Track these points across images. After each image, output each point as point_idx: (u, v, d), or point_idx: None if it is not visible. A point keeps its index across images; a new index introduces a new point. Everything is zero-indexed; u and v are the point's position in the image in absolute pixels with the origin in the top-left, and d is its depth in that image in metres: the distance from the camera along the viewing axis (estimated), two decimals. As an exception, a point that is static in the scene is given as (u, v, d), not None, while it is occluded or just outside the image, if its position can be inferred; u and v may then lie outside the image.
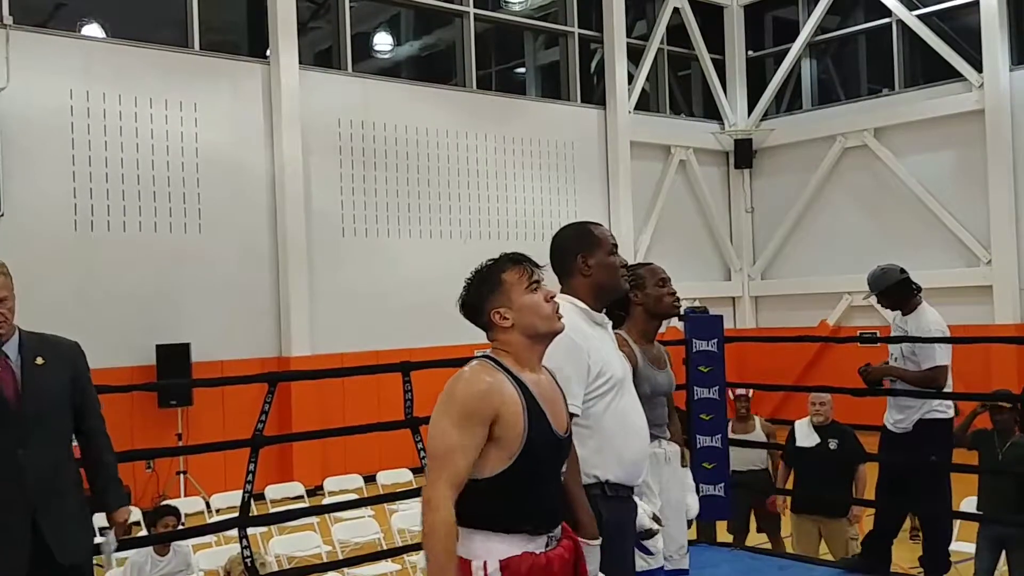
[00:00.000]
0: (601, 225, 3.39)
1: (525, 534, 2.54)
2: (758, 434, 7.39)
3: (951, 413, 5.66)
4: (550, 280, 2.86)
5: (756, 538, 7.35)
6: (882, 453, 5.94)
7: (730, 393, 6.70)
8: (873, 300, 5.83)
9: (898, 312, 5.82)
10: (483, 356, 2.66)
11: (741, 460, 7.21)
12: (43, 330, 3.58)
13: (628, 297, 3.84)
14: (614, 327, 3.77)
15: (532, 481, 2.55)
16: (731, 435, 7.34)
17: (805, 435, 6.81)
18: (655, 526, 3.41)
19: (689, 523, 3.90)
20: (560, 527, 2.68)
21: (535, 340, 2.66)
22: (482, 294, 2.66)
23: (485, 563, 2.50)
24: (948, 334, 5.55)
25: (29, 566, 3.28)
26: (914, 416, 5.60)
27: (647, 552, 3.54)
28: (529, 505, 2.55)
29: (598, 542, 2.93)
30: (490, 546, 2.52)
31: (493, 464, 2.52)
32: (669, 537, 3.77)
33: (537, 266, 2.73)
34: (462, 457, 2.47)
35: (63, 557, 3.35)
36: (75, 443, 3.58)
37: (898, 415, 5.71)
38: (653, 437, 3.74)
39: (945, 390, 5.63)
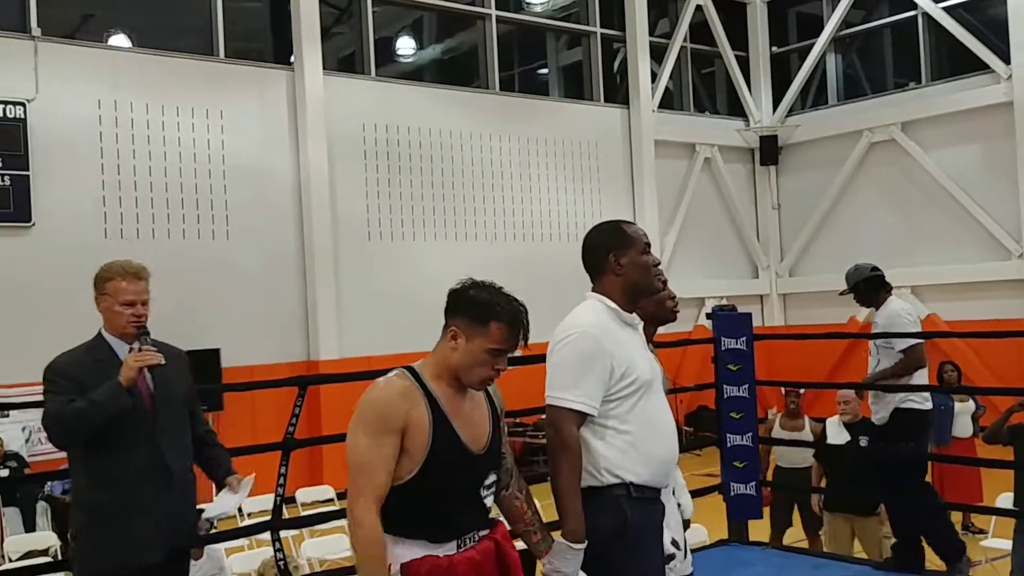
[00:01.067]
0: (634, 224, 3.34)
1: (425, 541, 2.60)
2: (806, 433, 7.35)
3: (928, 405, 5.63)
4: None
5: (790, 536, 7.30)
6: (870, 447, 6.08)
7: (781, 388, 6.66)
8: (849, 297, 6.02)
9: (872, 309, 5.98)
10: (403, 368, 2.71)
11: (787, 458, 7.17)
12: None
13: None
14: None
15: (435, 493, 2.60)
16: (780, 430, 7.35)
17: (836, 433, 6.79)
18: (674, 550, 3.38)
19: (687, 523, 3.82)
20: (480, 531, 2.70)
21: (454, 376, 2.69)
22: (467, 310, 2.67)
23: (390, 566, 2.58)
24: (914, 317, 5.71)
25: (158, 548, 3.51)
26: (891, 406, 5.66)
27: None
28: (430, 515, 2.61)
29: (581, 546, 2.94)
30: (395, 549, 2.60)
31: (401, 472, 2.59)
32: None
33: (525, 343, 2.70)
34: (379, 468, 2.55)
35: (192, 541, 3.68)
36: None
37: (877, 407, 5.75)
38: None
39: (923, 381, 5.67)
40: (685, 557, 3.73)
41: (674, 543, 3.40)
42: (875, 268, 5.94)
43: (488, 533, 2.73)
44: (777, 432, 7.41)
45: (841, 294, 6.13)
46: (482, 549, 2.69)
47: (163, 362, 3.51)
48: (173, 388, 3.61)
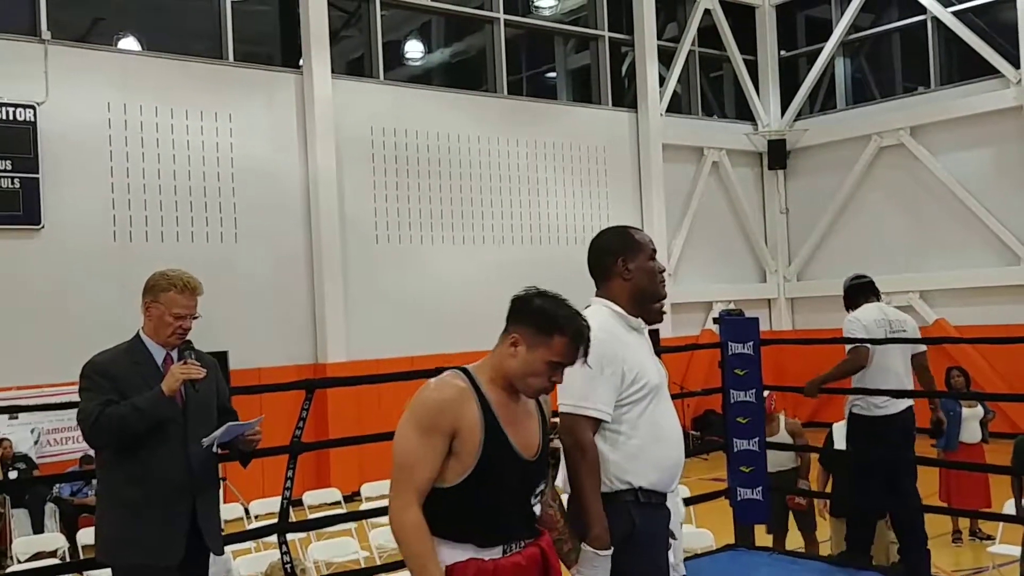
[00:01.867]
0: (641, 230, 3.37)
1: (473, 544, 2.59)
2: (783, 435, 7.32)
3: (878, 412, 5.68)
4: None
5: (791, 542, 7.28)
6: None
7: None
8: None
9: None
10: (457, 369, 2.69)
11: (772, 461, 7.14)
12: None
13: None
14: None
15: (484, 498, 2.59)
16: None
17: (842, 437, 6.73)
18: (671, 542, 3.38)
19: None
20: (527, 538, 2.69)
21: (508, 383, 2.68)
22: (531, 320, 2.65)
23: None
24: (868, 324, 5.82)
25: (184, 550, 3.60)
26: (847, 409, 5.89)
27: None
28: (478, 520, 2.60)
29: (608, 552, 2.94)
30: (441, 551, 2.58)
31: (450, 476, 2.58)
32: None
33: (585, 359, 2.70)
34: (423, 466, 2.55)
35: (213, 546, 3.73)
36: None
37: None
38: None
39: (889, 386, 5.75)
40: (678, 561, 3.73)
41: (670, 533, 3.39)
42: (860, 276, 6.28)
43: (534, 541, 2.72)
44: None
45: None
46: (528, 555, 2.67)
47: (204, 377, 3.60)
48: (204, 395, 3.68)
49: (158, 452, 3.55)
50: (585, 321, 2.71)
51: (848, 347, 5.81)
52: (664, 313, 3.81)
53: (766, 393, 7.25)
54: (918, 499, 5.85)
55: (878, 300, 6.13)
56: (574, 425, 3.02)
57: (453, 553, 2.59)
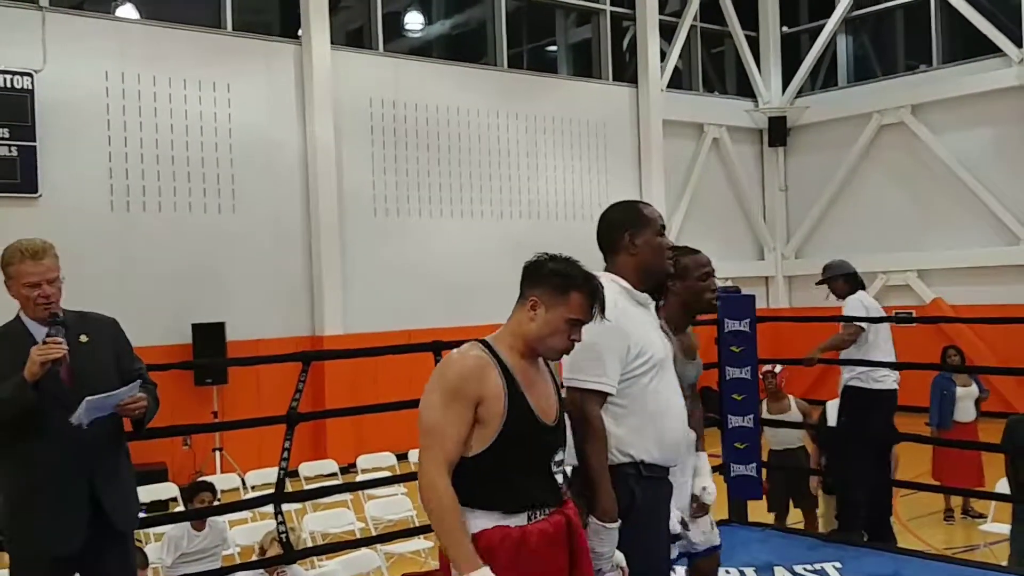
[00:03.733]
0: (650, 205, 3.36)
1: (499, 512, 2.63)
2: (794, 413, 7.35)
3: (875, 386, 6.15)
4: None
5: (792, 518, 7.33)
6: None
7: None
8: (824, 285, 6.79)
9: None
10: (476, 341, 2.73)
11: (777, 440, 7.19)
12: (81, 308, 3.65)
13: (665, 283, 3.75)
14: None
15: (510, 464, 2.63)
16: (765, 415, 7.36)
17: (836, 416, 6.78)
18: (682, 530, 3.41)
19: (706, 508, 3.84)
20: (551, 506, 2.72)
21: (530, 348, 2.73)
22: (548, 280, 2.72)
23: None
24: (868, 305, 6.42)
25: (88, 530, 3.40)
26: (843, 383, 6.32)
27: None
28: (504, 487, 2.63)
29: (615, 525, 2.97)
30: (470, 520, 2.62)
31: (475, 444, 2.62)
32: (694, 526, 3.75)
33: (602, 313, 2.75)
34: (450, 434, 2.59)
35: (120, 524, 3.49)
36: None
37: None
38: None
39: (882, 358, 6.23)
40: (712, 529, 3.78)
41: (683, 523, 3.42)
42: (847, 264, 6.74)
43: (559, 508, 2.75)
44: (764, 416, 7.41)
45: (818, 284, 6.77)
46: (554, 522, 2.71)
47: (65, 354, 3.31)
48: (97, 360, 3.47)
49: (43, 435, 3.33)
50: (597, 279, 2.77)
51: (848, 326, 6.15)
52: (716, 304, 3.83)
53: (778, 369, 7.34)
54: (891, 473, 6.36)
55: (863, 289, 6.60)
56: (581, 399, 3.04)
57: (479, 521, 2.63)
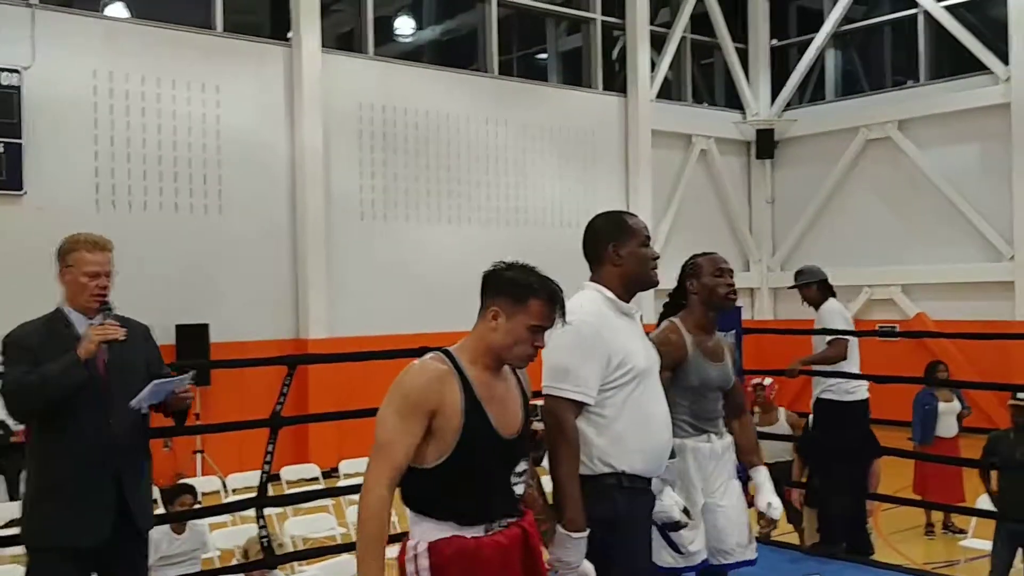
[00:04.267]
0: (636, 216, 3.36)
1: (453, 523, 2.63)
2: (782, 426, 7.36)
3: (848, 398, 6.10)
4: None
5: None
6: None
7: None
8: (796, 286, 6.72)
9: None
10: (439, 351, 2.72)
11: (767, 453, 7.18)
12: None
13: (685, 286, 3.85)
14: (672, 316, 3.76)
15: (465, 478, 2.62)
16: (756, 427, 7.37)
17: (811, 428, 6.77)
18: (683, 518, 3.38)
19: (773, 525, 3.84)
20: (509, 518, 2.71)
21: (494, 358, 2.71)
22: (506, 290, 2.70)
23: (417, 544, 2.63)
24: (844, 314, 6.35)
25: (111, 526, 3.45)
26: (815, 395, 6.26)
27: (677, 550, 3.53)
28: (460, 500, 2.63)
29: (581, 535, 2.96)
30: (423, 528, 2.65)
31: (431, 456, 2.61)
32: (722, 532, 3.72)
33: (563, 319, 2.74)
34: (400, 447, 2.58)
35: (141, 522, 3.57)
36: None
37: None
38: (700, 431, 3.71)
39: (852, 370, 6.18)
40: (750, 543, 3.76)
41: (685, 511, 3.40)
42: (819, 270, 6.62)
43: (516, 521, 2.74)
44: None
45: (791, 288, 6.73)
46: (509, 535, 2.70)
47: (124, 337, 3.46)
48: (130, 360, 3.56)
49: (77, 425, 3.40)
50: (557, 285, 2.75)
51: (828, 337, 6.03)
52: (733, 298, 3.88)
53: (767, 381, 7.35)
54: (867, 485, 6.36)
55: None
56: (556, 407, 3.03)
57: (435, 530, 2.63)
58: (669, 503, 3.35)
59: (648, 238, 3.29)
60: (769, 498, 3.79)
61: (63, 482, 3.40)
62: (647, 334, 3.50)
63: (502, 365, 2.74)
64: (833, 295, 6.46)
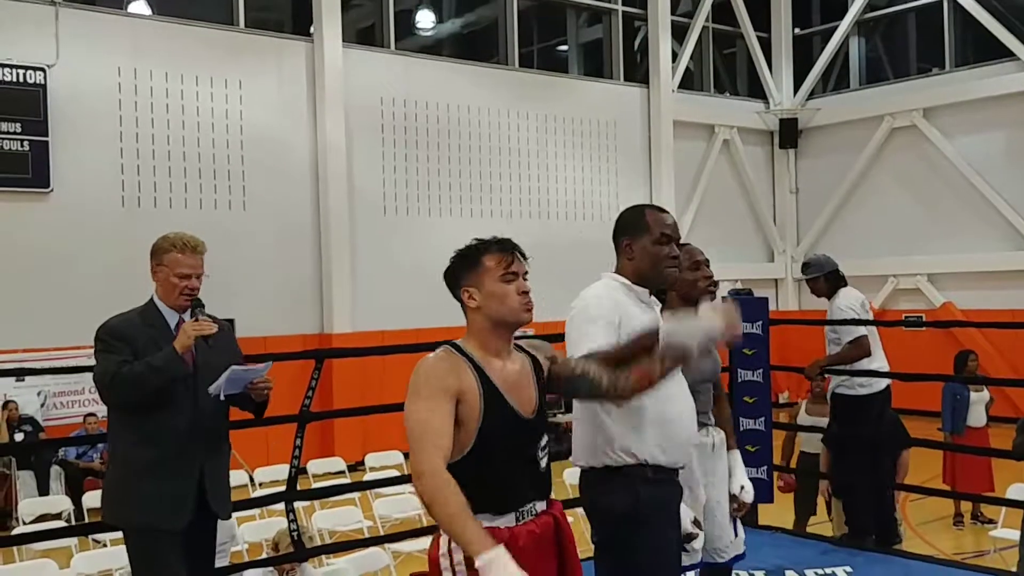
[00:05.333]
0: (661, 211, 3.26)
1: (487, 514, 2.59)
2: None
3: (862, 391, 5.91)
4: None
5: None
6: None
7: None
8: (803, 279, 6.53)
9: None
10: (447, 344, 2.71)
11: (813, 443, 7.14)
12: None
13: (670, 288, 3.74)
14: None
15: (491, 466, 2.60)
16: (805, 416, 7.34)
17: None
18: (695, 530, 3.36)
19: (745, 506, 3.83)
20: (539, 504, 2.69)
21: (498, 326, 2.69)
22: (459, 271, 2.74)
23: (450, 539, 2.57)
24: (858, 310, 6.02)
25: (192, 515, 3.62)
26: (831, 389, 6.11)
27: (683, 550, 3.53)
28: (490, 486, 2.60)
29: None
30: None
31: (456, 450, 2.58)
32: (720, 528, 3.71)
33: (523, 257, 2.74)
34: (440, 430, 2.53)
35: (218, 508, 3.72)
36: None
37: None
38: (700, 425, 3.68)
39: (874, 366, 5.95)
40: (736, 536, 3.75)
41: (696, 523, 3.39)
42: (830, 259, 6.38)
43: (547, 509, 2.73)
44: (803, 418, 7.39)
45: (801, 280, 6.59)
46: (542, 523, 2.69)
47: (215, 332, 3.64)
48: (217, 357, 3.69)
49: (167, 413, 3.57)
50: (493, 238, 2.76)
51: (848, 337, 5.86)
52: (712, 291, 3.83)
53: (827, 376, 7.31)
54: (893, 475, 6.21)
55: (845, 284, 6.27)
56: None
57: None
58: (683, 516, 3.34)
59: (667, 236, 3.17)
60: (742, 481, 3.80)
61: (151, 468, 3.55)
62: None
63: (509, 342, 2.74)
64: (844, 285, 6.21)
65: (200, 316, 3.66)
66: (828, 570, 5.17)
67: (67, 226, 10.41)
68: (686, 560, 3.50)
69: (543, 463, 2.74)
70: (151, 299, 3.73)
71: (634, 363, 2.81)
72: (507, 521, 2.62)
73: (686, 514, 3.34)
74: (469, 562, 2.52)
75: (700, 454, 3.65)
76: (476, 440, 2.59)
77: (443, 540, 2.62)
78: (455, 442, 2.58)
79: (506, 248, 2.72)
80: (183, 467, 3.59)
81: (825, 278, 6.22)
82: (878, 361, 5.96)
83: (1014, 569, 5.85)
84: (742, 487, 3.79)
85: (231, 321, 11.91)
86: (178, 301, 3.68)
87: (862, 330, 5.87)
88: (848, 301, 6.06)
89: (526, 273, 2.75)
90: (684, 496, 3.34)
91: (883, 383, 5.93)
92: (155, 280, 3.72)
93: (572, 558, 2.77)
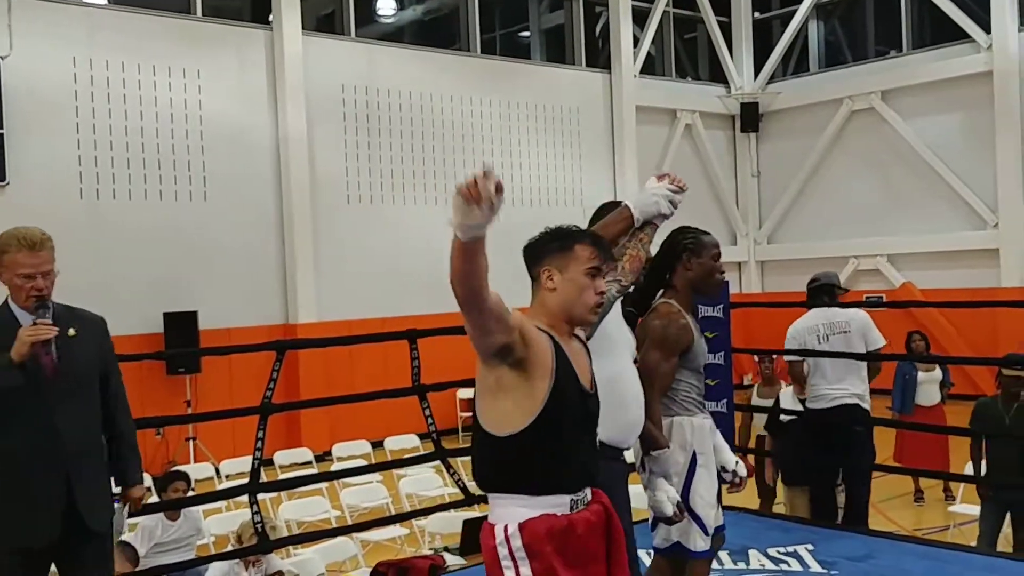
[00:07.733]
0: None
1: (546, 495, 2.55)
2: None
3: (811, 405, 5.99)
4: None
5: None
6: None
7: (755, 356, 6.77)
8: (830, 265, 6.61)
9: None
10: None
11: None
12: (52, 298, 3.60)
13: (675, 264, 3.69)
14: (663, 295, 3.74)
15: (556, 436, 2.55)
16: (756, 400, 7.41)
17: (790, 404, 6.65)
18: (676, 513, 3.40)
19: (744, 482, 3.90)
20: (589, 492, 2.68)
21: (565, 318, 2.68)
22: (549, 248, 2.72)
23: (506, 526, 2.53)
24: (802, 336, 6.04)
25: (62, 525, 3.37)
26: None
27: (705, 532, 3.62)
28: (554, 460, 2.55)
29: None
30: (509, 509, 2.55)
31: (519, 417, 2.52)
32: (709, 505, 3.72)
33: (612, 259, 2.79)
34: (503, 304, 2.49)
35: (93, 523, 3.44)
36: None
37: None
38: (703, 408, 3.74)
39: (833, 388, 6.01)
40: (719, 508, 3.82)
41: (678, 506, 3.43)
42: (815, 279, 6.36)
43: (596, 498, 2.71)
44: (755, 400, 7.47)
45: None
46: (595, 511, 2.67)
47: (55, 335, 3.30)
48: (81, 357, 3.45)
49: (19, 425, 3.30)
50: (591, 232, 2.86)
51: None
52: (719, 288, 3.86)
53: (775, 358, 7.36)
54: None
55: (831, 301, 6.13)
56: None
57: (525, 511, 2.54)
58: (662, 497, 3.38)
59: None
60: (734, 456, 3.86)
61: (10, 480, 3.33)
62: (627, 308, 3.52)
63: (573, 328, 2.72)
64: (821, 303, 6.07)
65: (38, 319, 3.31)
66: (790, 548, 5.25)
67: (24, 220, 10.11)
68: (662, 543, 3.61)
69: (597, 443, 2.75)
70: (6, 300, 3.46)
71: (620, 250, 3.19)
72: (562, 508, 2.57)
73: (670, 498, 3.39)
74: (529, 549, 2.50)
75: (705, 435, 3.70)
76: (544, 407, 2.52)
77: (499, 529, 2.56)
78: (520, 409, 2.53)
79: (601, 245, 2.74)
80: (44, 479, 3.34)
81: (807, 295, 6.28)
82: (823, 381, 5.87)
83: (973, 544, 5.97)
84: (737, 461, 3.84)
85: (194, 313, 11.77)
86: (27, 304, 3.37)
87: (791, 356, 6.11)
88: (796, 326, 6.08)
89: (606, 275, 2.78)
90: (674, 492, 3.41)
91: (836, 401, 5.82)
92: (2, 283, 3.44)
93: (618, 547, 2.73)
